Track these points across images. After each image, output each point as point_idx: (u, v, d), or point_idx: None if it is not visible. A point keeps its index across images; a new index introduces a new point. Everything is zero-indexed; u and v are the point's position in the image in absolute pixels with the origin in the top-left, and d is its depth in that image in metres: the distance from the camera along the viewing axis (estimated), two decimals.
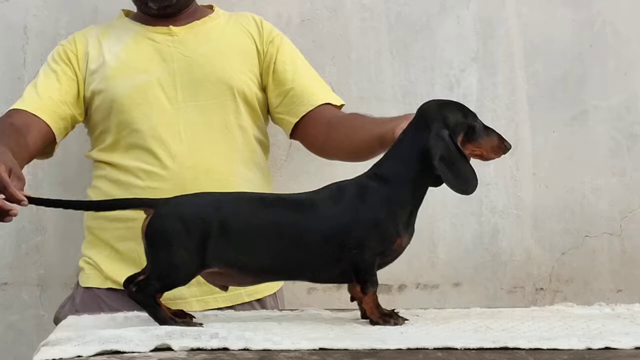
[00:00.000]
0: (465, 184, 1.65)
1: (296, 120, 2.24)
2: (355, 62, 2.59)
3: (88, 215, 2.24)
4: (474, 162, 1.71)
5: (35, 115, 2.16)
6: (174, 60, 2.22)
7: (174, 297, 2.00)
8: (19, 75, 2.51)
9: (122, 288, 2.10)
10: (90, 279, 2.21)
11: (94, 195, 2.21)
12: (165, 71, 2.20)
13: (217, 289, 1.84)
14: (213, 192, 1.75)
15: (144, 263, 2.06)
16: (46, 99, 2.19)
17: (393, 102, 2.59)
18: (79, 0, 2.53)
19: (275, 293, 2.26)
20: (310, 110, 2.23)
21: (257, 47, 2.28)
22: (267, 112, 2.31)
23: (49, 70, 2.24)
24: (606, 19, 2.61)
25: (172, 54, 2.22)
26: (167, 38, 2.24)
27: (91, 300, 2.18)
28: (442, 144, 1.63)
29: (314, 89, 2.26)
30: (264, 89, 2.28)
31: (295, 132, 2.26)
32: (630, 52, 2.62)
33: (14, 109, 2.18)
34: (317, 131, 2.21)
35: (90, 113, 2.24)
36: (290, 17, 2.55)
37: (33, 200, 1.72)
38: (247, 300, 2.17)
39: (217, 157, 2.17)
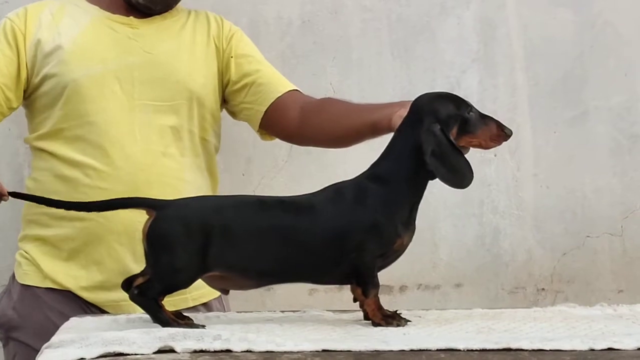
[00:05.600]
0: (460, 177, 1.63)
1: (265, 108, 2.17)
2: (356, 63, 2.59)
3: (27, 206, 2.15)
4: (474, 160, 1.69)
5: None
6: (133, 54, 2.13)
7: (119, 300, 1.95)
8: None
9: (62, 288, 2.08)
10: (28, 277, 2.12)
11: (35, 188, 2.11)
12: (123, 64, 2.11)
13: None
14: (213, 196, 1.75)
15: (90, 264, 2.03)
16: None
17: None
18: None
19: (220, 296, 2.19)
20: (280, 96, 2.17)
21: (216, 45, 2.21)
22: (220, 112, 2.25)
23: None
24: (607, 19, 2.61)
25: (132, 47, 2.13)
26: (127, 30, 2.15)
27: (30, 299, 2.11)
28: (433, 139, 1.61)
29: (279, 78, 2.21)
30: (225, 86, 2.22)
31: (265, 122, 2.19)
32: (630, 52, 2.63)
33: None
34: (289, 117, 2.15)
35: (35, 97, 2.12)
36: (290, 18, 2.55)
37: (17, 195, 1.72)
38: (192, 304, 2.12)
39: (169, 161, 2.12)
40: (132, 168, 2.07)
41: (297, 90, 2.20)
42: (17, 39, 2.11)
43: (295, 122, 2.15)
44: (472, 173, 1.64)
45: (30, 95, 2.13)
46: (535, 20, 2.61)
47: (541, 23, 2.61)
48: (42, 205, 1.93)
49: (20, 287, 2.13)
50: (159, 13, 2.19)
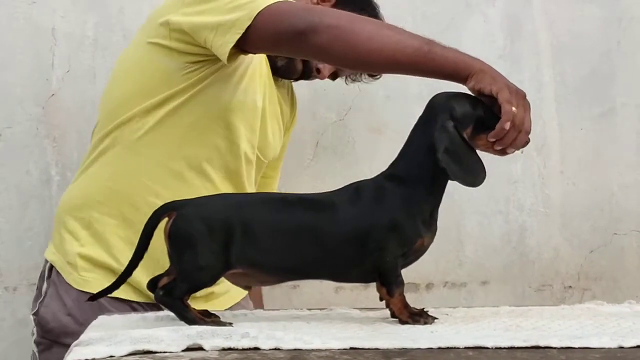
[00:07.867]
0: (472, 175, 1.61)
1: None
2: None
3: (94, 189, 2.03)
4: (500, 157, 1.70)
5: None
6: (271, 106, 2.15)
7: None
8: (47, 77, 2.51)
9: (132, 300, 1.98)
10: (90, 285, 1.98)
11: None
12: (265, 110, 2.12)
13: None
14: (233, 193, 1.74)
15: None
16: None
17: (419, 100, 2.54)
18: (105, 1, 2.53)
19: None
20: None
21: (289, 118, 2.28)
22: None
23: None
24: (634, 15, 2.60)
25: (274, 100, 2.17)
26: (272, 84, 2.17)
27: (91, 306, 1.86)
28: (446, 136, 1.59)
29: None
30: None
31: None
32: None
33: None
34: None
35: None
36: None
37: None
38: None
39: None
40: None
41: None
42: None
43: None
44: (485, 172, 1.63)
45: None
46: (561, 16, 2.60)
47: (568, 19, 2.60)
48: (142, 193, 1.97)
49: (76, 292, 1.98)
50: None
